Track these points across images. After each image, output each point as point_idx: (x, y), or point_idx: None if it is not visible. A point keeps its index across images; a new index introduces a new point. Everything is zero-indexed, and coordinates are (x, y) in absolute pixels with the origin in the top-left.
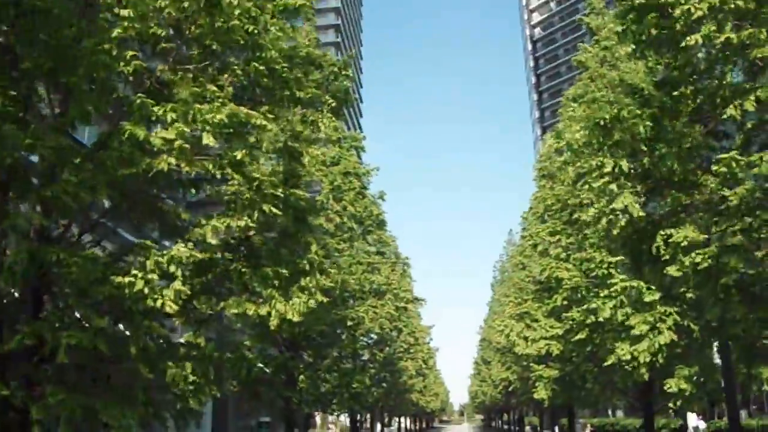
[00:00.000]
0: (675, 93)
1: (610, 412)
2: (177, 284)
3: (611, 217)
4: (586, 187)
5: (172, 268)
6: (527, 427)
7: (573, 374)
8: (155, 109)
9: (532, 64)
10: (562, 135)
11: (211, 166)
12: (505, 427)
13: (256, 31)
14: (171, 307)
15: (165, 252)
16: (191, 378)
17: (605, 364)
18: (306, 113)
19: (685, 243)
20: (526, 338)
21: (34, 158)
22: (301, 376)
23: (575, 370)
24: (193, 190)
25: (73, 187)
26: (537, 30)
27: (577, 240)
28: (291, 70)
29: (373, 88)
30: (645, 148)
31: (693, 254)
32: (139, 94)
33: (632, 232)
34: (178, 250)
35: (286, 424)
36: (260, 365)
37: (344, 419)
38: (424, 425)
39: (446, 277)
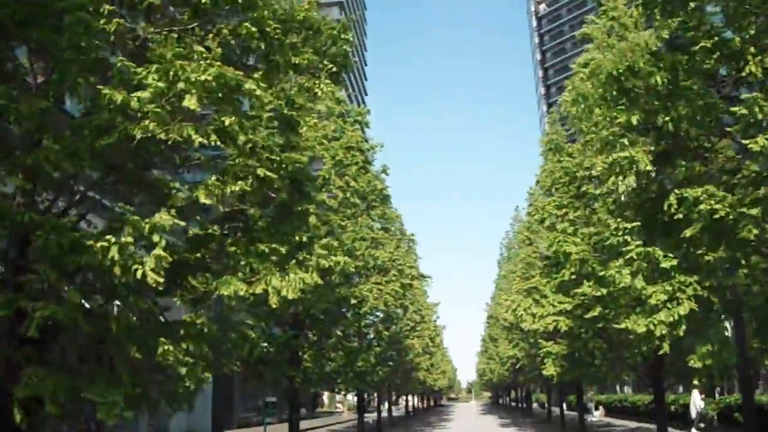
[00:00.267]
0: (691, 50)
1: (618, 389)
2: (158, 250)
3: (618, 171)
4: (595, 138)
5: (155, 238)
6: (534, 404)
7: (581, 350)
8: (137, 72)
9: (537, 40)
10: (574, 85)
11: (193, 132)
12: (513, 404)
13: None
14: (152, 278)
15: (147, 220)
16: (185, 358)
17: (621, 332)
18: (303, 80)
19: (703, 196)
20: (533, 314)
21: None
22: (305, 356)
23: (584, 346)
24: (182, 158)
25: (55, 155)
26: (542, 6)
27: (584, 214)
28: (286, 35)
29: (377, 68)
30: (658, 103)
31: (710, 202)
32: (120, 57)
33: (645, 200)
34: (161, 218)
35: (290, 403)
36: (263, 345)
37: (351, 398)
38: (432, 403)
39: (453, 255)
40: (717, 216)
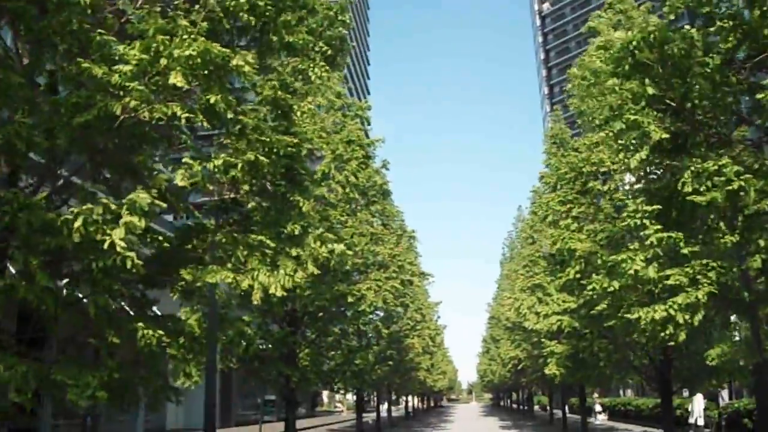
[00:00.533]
0: (708, 29)
1: (621, 392)
2: (126, 217)
3: (629, 145)
4: (602, 106)
5: (135, 221)
6: (536, 407)
7: (585, 351)
8: (119, 48)
9: (540, 39)
10: (583, 63)
11: (178, 110)
12: (514, 406)
13: None
14: (120, 245)
15: (125, 200)
16: (173, 351)
17: (627, 331)
18: (297, 62)
19: (727, 168)
20: (537, 313)
21: None
22: (302, 354)
23: (588, 346)
24: (170, 142)
25: (27, 131)
26: (546, 5)
27: (589, 211)
28: (279, 14)
29: (379, 67)
30: (673, 76)
31: (728, 168)
32: (100, 31)
33: (660, 187)
34: (138, 196)
35: (287, 402)
36: (259, 342)
37: (351, 398)
38: (432, 404)
39: (455, 255)
40: (732, 188)
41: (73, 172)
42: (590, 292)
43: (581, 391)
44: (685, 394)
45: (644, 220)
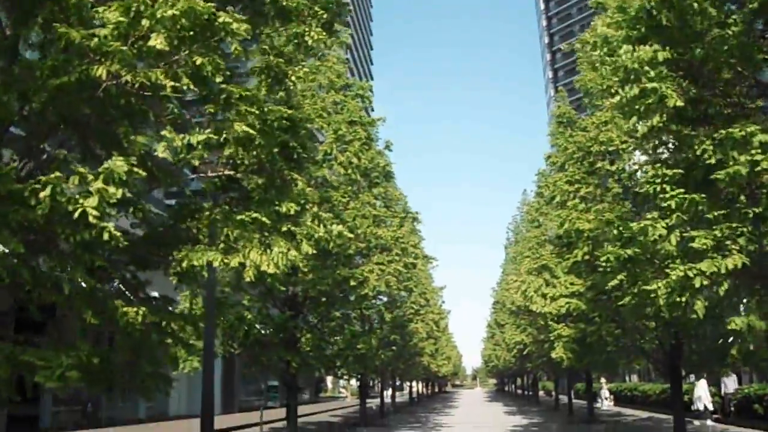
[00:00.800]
0: None
1: (626, 377)
2: (98, 183)
3: (642, 109)
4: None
5: (111, 190)
6: (541, 392)
7: (593, 335)
8: (98, 10)
9: (545, 23)
10: (595, 30)
11: (162, 76)
12: (518, 392)
13: None
14: (93, 214)
15: (101, 168)
16: (164, 339)
17: (636, 315)
18: (292, 27)
19: (756, 136)
20: (544, 295)
21: None
22: (304, 338)
23: (596, 330)
24: (156, 114)
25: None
26: None
27: (596, 192)
28: None
29: (382, 56)
30: (693, 36)
31: (757, 137)
32: None
33: (681, 161)
34: (114, 164)
35: (288, 387)
36: (259, 326)
37: (355, 384)
38: (436, 390)
39: (459, 241)
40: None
41: (57, 146)
42: (603, 264)
43: (587, 376)
44: (691, 378)
45: (664, 185)
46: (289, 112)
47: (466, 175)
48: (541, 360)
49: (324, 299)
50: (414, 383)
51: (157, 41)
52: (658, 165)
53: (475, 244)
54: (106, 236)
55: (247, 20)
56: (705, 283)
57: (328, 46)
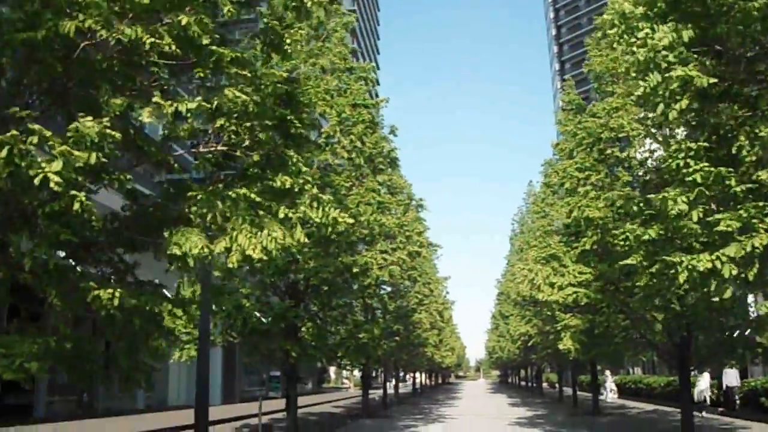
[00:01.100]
0: None
1: (630, 370)
2: (61, 147)
3: (668, 95)
4: (632, 58)
5: (78, 153)
6: (544, 384)
7: (601, 326)
8: None
9: (552, 15)
10: (613, 5)
11: (141, 32)
12: (522, 383)
13: None
14: (55, 180)
15: (68, 128)
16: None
17: (646, 306)
18: None
19: None
20: (552, 284)
21: None
22: (304, 328)
23: (604, 321)
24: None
25: None
26: None
27: (606, 181)
28: None
29: (389, 47)
30: (719, 18)
31: None
32: None
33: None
34: (83, 124)
35: (288, 377)
36: (258, 315)
37: (358, 374)
38: (440, 381)
39: (463, 232)
40: None
41: (36, 117)
42: (620, 243)
43: (593, 368)
44: (693, 373)
45: (688, 159)
46: (285, 75)
47: (471, 168)
48: (546, 351)
49: (326, 288)
50: (417, 374)
51: None
52: (682, 139)
53: (480, 234)
54: (76, 206)
55: None
56: (734, 272)
57: (329, 13)
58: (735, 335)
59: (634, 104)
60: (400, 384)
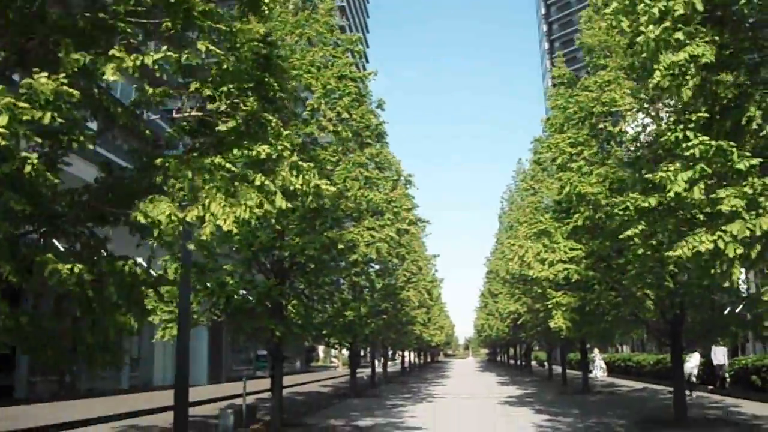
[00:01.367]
0: None
1: (619, 348)
2: (6, 99)
3: (678, 74)
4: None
5: (23, 105)
6: (533, 362)
7: (592, 304)
8: None
9: None
10: None
11: None
12: (511, 362)
13: None
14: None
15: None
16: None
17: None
18: None
19: None
20: (543, 260)
21: None
22: (290, 306)
23: (596, 299)
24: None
25: None
26: None
27: (599, 156)
28: None
29: (378, 29)
30: None
31: None
32: None
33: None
34: (37, 80)
35: (273, 357)
36: (242, 293)
37: (347, 353)
38: (428, 359)
39: (451, 208)
40: None
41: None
42: (620, 213)
43: (582, 346)
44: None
45: (687, 132)
46: (262, 32)
47: (459, 146)
48: (535, 330)
49: (312, 265)
50: (406, 353)
51: None
52: (678, 109)
53: (468, 211)
54: (28, 169)
55: None
56: (739, 251)
57: None
58: (726, 312)
59: (626, 78)
60: (389, 363)
